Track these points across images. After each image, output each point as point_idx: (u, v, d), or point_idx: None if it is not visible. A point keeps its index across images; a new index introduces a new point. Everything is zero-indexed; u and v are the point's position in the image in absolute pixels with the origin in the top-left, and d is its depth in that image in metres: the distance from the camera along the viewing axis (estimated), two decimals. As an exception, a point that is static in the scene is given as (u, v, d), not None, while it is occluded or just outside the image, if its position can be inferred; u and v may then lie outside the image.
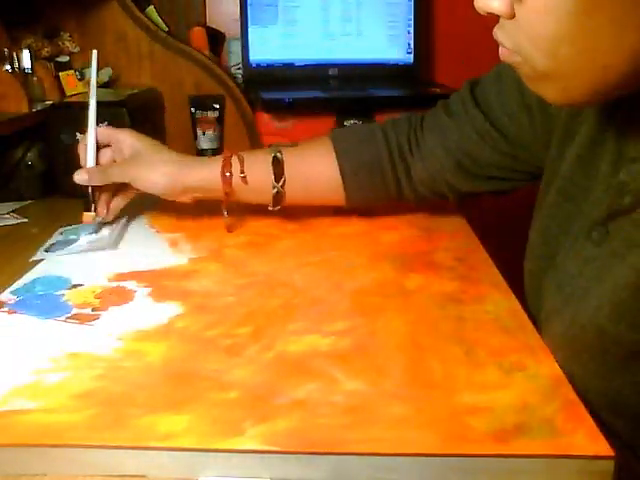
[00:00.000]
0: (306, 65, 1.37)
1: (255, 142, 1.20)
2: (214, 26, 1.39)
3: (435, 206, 0.80)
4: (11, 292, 0.60)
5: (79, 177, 0.69)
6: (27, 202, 0.96)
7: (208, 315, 0.55)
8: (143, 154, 0.70)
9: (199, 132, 1.20)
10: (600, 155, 0.51)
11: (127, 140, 0.71)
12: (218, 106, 1.21)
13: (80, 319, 0.54)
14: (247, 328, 0.53)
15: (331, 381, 0.45)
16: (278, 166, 0.70)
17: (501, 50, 0.45)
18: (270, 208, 0.72)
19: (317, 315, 0.55)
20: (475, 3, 0.45)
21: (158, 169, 0.68)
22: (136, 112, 1.01)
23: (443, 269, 0.64)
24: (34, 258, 0.69)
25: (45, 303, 0.57)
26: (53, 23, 1.20)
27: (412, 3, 1.39)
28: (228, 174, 0.68)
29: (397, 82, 1.38)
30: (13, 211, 0.91)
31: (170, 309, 0.56)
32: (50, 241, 0.74)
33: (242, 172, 0.69)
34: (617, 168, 0.49)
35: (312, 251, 0.69)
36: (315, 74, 1.37)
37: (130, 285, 0.61)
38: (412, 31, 1.40)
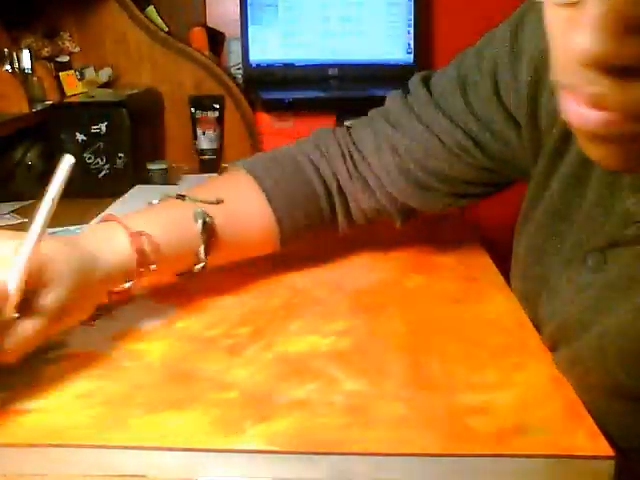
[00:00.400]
0: (306, 65, 1.36)
1: (255, 142, 1.20)
2: (214, 26, 1.39)
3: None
4: None
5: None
6: (27, 202, 0.96)
7: (208, 315, 0.55)
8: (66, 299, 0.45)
9: (199, 132, 1.20)
10: (593, 176, 0.48)
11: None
12: (218, 106, 1.22)
13: None
14: (247, 328, 0.52)
15: (331, 381, 0.44)
16: (209, 238, 0.56)
17: (610, 118, 0.31)
18: (193, 271, 0.57)
19: (317, 315, 0.55)
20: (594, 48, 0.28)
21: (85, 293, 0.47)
22: (136, 112, 1.01)
23: (444, 269, 0.64)
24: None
25: None
26: (53, 23, 1.21)
27: (412, 3, 1.39)
28: (142, 270, 0.52)
29: (397, 82, 1.38)
30: (13, 211, 0.91)
31: (170, 309, 0.56)
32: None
33: (152, 264, 0.52)
34: (613, 192, 0.46)
35: (312, 251, 0.69)
36: (315, 74, 1.37)
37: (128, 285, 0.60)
38: (412, 31, 1.40)
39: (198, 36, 1.30)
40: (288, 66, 1.36)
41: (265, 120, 1.09)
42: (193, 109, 1.21)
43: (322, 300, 0.58)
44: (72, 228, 0.76)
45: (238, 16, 1.32)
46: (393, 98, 0.63)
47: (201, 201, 0.56)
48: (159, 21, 1.28)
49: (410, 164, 0.59)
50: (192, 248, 0.55)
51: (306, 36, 1.36)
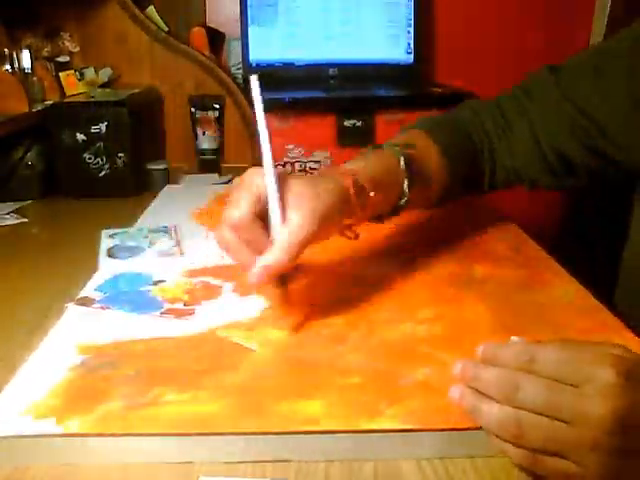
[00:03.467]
0: (306, 65, 1.37)
1: (255, 142, 1.20)
2: (214, 26, 1.39)
3: (468, 199, 0.81)
4: (95, 289, 0.59)
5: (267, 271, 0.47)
6: (27, 202, 0.96)
7: (297, 307, 0.55)
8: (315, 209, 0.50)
9: (199, 132, 1.20)
10: None
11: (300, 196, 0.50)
12: (218, 106, 1.22)
13: (175, 314, 0.54)
14: (339, 319, 0.53)
15: (442, 364, 0.45)
16: (411, 174, 0.60)
17: None
18: (384, 221, 0.61)
19: (401, 305, 0.56)
20: None
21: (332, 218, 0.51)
22: (136, 112, 1.01)
23: (502, 259, 0.66)
24: (100, 264, 0.66)
25: (135, 299, 0.57)
26: (53, 23, 1.21)
27: (412, 3, 1.39)
28: (360, 202, 0.54)
29: (397, 82, 1.38)
30: (13, 211, 0.91)
31: (257, 302, 0.56)
32: (104, 246, 0.71)
33: (372, 192, 0.55)
34: None
35: (372, 247, 0.70)
36: (315, 74, 1.37)
37: (213, 281, 0.61)
38: (412, 31, 1.40)
39: (198, 36, 1.30)
40: (288, 66, 1.36)
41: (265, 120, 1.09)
42: (193, 109, 1.21)
43: (401, 291, 0.59)
44: (120, 232, 0.75)
45: (238, 16, 1.32)
46: (536, 75, 0.69)
47: (398, 146, 0.62)
48: (159, 21, 1.28)
49: (541, 136, 0.66)
50: (398, 182, 0.59)
51: (306, 36, 1.36)
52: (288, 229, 0.47)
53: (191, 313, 0.54)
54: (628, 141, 0.62)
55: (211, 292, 0.59)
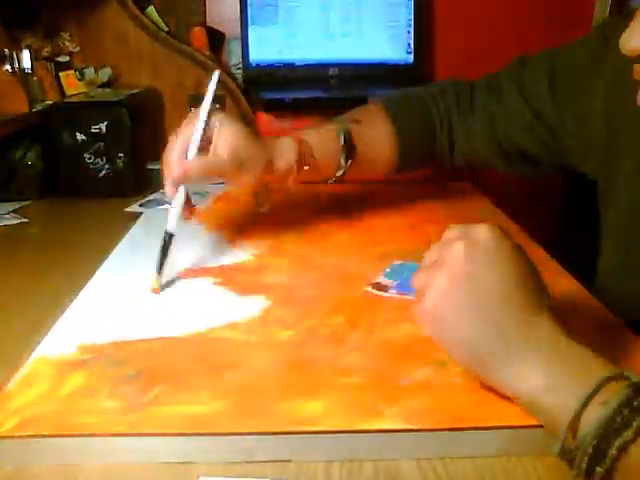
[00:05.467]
0: (306, 65, 1.37)
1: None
2: (214, 26, 1.39)
3: (470, 199, 0.83)
4: (384, 276, 0.61)
5: (168, 179, 0.65)
6: (27, 202, 0.96)
7: (297, 307, 0.55)
8: (240, 151, 0.63)
9: (199, 132, 1.20)
10: None
11: (229, 140, 0.63)
12: (218, 106, 1.21)
13: None
14: (340, 318, 0.53)
15: (442, 364, 0.45)
16: (349, 146, 0.70)
17: None
18: (330, 182, 0.74)
19: (401, 304, 0.56)
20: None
21: (255, 166, 0.64)
22: (136, 112, 1.01)
23: None
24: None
25: None
26: (53, 23, 1.21)
27: (412, 3, 1.39)
28: (301, 161, 0.67)
29: (397, 82, 1.38)
30: (13, 211, 0.91)
31: (257, 302, 0.56)
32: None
33: (312, 156, 0.68)
34: None
35: (369, 244, 0.70)
36: (315, 74, 1.37)
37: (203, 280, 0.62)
38: (412, 31, 1.40)
39: (198, 36, 1.30)
40: (288, 66, 1.36)
41: (265, 120, 1.09)
42: (193, 109, 1.21)
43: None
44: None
45: (238, 16, 1.32)
46: (508, 67, 0.74)
47: (343, 121, 0.73)
48: (159, 21, 1.28)
49: (499, 132, 0.72)
50: (336, 156, 0.70)
51: (306, 36, 1.36)
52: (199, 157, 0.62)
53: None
54: (578, 148, 0.65)
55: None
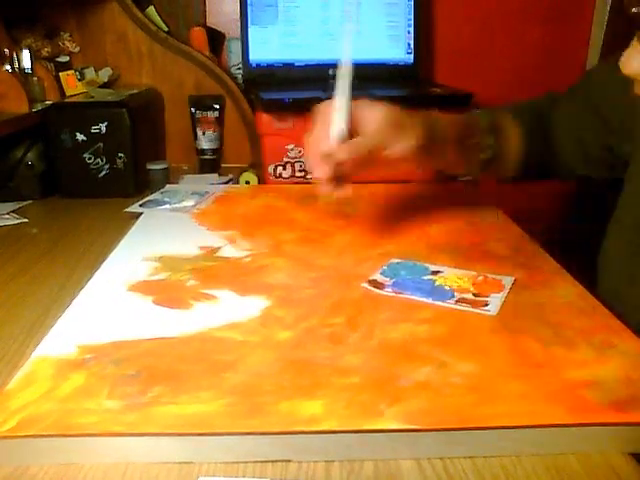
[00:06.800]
0: (306, 65, 1.36)
1: (255, 142, 1.20)
2: (214, 26, 1.39)
3: (471, 199, 0.84)
4: (381, 273, 0.62)
5: (320, 173, 0.61)
6: (27, 202, 0.96)
7: (297, 307, 0.55)
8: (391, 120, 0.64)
9: (199, 132, 1.20)
10: None
11: (374, 116, 0.64)
12: (218, 106, 1.22)
13: (472, 303, 0.55)
14: (340, 318, 0.53)
15: (442, 364, 0.46)
16: (496, 131, 0.73)
17: None
18: (466, 178, 0.77)
19: (401, 305, 0.56)
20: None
21: (409, 133, 0.63)
22: (136, 112, 1.01)
23: (501, 259, 0.66)
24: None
25: (423, 287, 0.59)
26: (53, 23, 1.21)
27: (412, 3, 1.39)
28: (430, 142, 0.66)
29: (397, 82, 1.38)
30: (13, 211, 0.91)
31: (257, 302, 0.56)
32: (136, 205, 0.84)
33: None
34: None
35: (369, 245, 0.70)
36: (315, 74, 1.36)
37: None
38: (412, 31, 1.40)
39: (198, 36, 1.30)
40: (288, 66, 1.36)
41: (265, 120, 1.08)
42: (193, 109, 1.21)
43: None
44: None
45: (238, 16, 1.32)
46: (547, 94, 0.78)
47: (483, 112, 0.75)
48: (159, 21, 1.27)
49: (581, 134, 0.72)
50: (477, 135, 0.71)
51: (306, 36, 1.36)
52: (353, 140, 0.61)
53: (485, 304, 0.55)
54: (625, 132, 0.65)
55: (495, 286, 0.59)
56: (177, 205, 0.85)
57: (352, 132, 0.62)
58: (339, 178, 0.62)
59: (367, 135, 0.62)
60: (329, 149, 0.60)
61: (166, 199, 0.87)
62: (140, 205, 0.85)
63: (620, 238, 0.63)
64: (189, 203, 0.86)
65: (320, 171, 0.61)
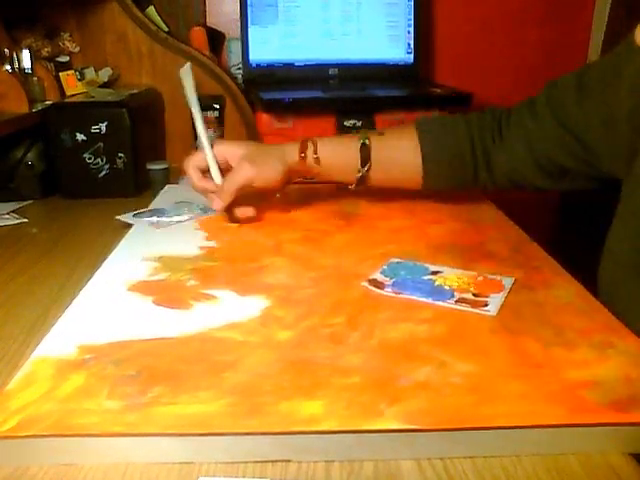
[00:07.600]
0: (306, 65, 1.36)
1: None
2: (214, 26, 1.39)
3: (472, 200, 0.84)
4: (381, 273, 0.62)
5: (218, 206, 0.74)
6: (27, 202, 0.96)
7: (297, 306, 0.55)
8: (252, 157, 0.74)
9: (199, 132, 1.20)
10: None
11: (236, 152, 0.75)
12: (218, 106, 1.21)
13: (471, 303, 0.55)
14: (340, 318, 0.53)
15: (442, 364, 0.46)
16: (365, 152, 0.75)
17: None
18: (350, 187, 0.78)
19: (401, 305, 0.56)
20: None
21: (272, 165, 0.74)
22: (136, 112, 1.01)
23: (501, 259, 0.66)
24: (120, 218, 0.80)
25: (423, 287, 0.59)
26: (53, 23, 1.21)
27: (412, 3, 1.39)
28: (303, 155, 0.75)
29: (397, 82, 1.38)
30: (13, 211, 0.91)
31: (257, 302, 0.56)
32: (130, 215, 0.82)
33: (315, 153, 0.75)
34: None
35: (369, 245, 0.70)
36: (315, 74, 1.36)
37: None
38: (412, 31, 1.40)
39: (198, 36, 1.30)
40: (288, 66, 1.36)
41: (265, 120, 1.08)
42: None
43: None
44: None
45: (238, 16, 1.32)
46: (540, 91, 0.73)
47: (367, 130, 0.78)
48: (159, 21, 1.27)
49: (534, 145, 0.71)
50: (351, 161, 0.76)
51: (306, 36, 1.36)
52: (226, 178, 0.74)
53: (485, 304, 0.55)
54: (606, 153, 0.64)
55: (495, 286, 0.59)
56: (167, 219, 0.80)
57: (226, 168, 0.75)
58: (233, 204, 0.75)
59: (234, 172, 0.73)
60: (214, 188, 0.74)
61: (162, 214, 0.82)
62: (134, 215, 0.81)
63: (623, 238, 0.63)
64: (182, 218, 0.80)
65: (215, 205, 0.73)
